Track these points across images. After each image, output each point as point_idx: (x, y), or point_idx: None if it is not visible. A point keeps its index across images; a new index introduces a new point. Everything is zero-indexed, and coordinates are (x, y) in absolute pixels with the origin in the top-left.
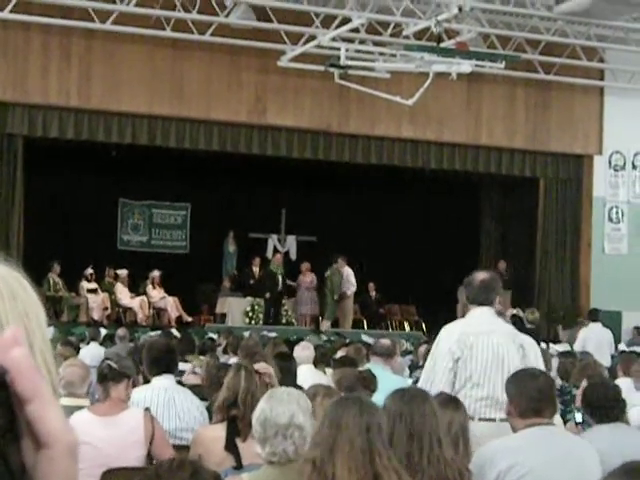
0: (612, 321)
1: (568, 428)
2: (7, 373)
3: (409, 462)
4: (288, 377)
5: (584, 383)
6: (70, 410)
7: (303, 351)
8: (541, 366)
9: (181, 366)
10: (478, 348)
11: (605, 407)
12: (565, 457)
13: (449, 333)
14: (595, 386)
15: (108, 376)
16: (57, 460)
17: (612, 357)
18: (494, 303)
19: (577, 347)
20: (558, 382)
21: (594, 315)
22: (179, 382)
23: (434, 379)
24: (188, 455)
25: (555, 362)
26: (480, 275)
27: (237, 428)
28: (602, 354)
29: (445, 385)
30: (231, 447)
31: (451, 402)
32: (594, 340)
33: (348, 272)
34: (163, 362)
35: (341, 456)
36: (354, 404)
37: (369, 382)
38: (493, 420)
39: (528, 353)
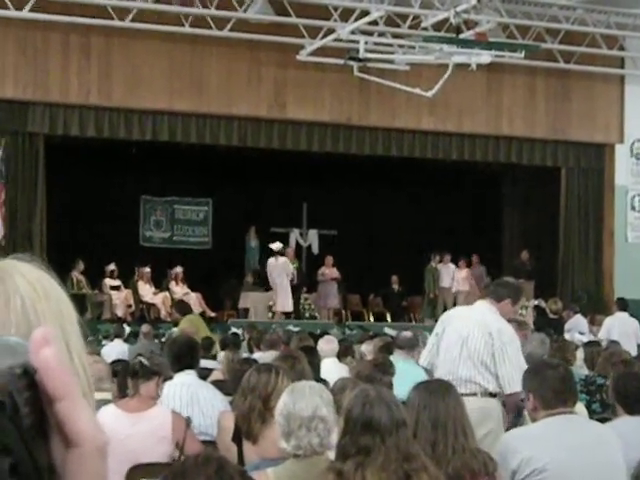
0: (635, 310)
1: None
2: (36, 372)
3: (434, 452)
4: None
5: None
6: (97, 405)
7: (327, 344)
8: (509, 352)
9: (204, 363)
10: (448, 330)
11: (637, 398)
12: (587, 445)
13: (442, 316)
14: (628, 376)
15: (139, 373)
16: (86, 459)
17: (638, 346)
18: (502, 300)
19: (602, 335)
20: (584, 372)
21: (622, 304)
22: (202, 377)
23: (424, 352)
24: (214, 451)
25: (580, 352)
26: (506, 278)
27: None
28: (628, 343)
29: (427, 357)
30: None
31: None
32: (619, 329)
33: (445, 268)
34: (185, 358)
35: (372, 466)
36: (380, 401)
37: (386, 367)
38: None
39: (495, 341)
